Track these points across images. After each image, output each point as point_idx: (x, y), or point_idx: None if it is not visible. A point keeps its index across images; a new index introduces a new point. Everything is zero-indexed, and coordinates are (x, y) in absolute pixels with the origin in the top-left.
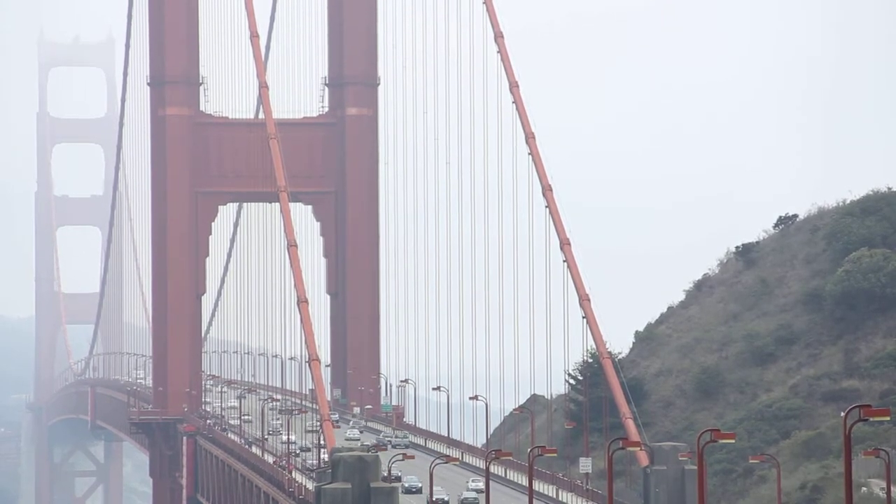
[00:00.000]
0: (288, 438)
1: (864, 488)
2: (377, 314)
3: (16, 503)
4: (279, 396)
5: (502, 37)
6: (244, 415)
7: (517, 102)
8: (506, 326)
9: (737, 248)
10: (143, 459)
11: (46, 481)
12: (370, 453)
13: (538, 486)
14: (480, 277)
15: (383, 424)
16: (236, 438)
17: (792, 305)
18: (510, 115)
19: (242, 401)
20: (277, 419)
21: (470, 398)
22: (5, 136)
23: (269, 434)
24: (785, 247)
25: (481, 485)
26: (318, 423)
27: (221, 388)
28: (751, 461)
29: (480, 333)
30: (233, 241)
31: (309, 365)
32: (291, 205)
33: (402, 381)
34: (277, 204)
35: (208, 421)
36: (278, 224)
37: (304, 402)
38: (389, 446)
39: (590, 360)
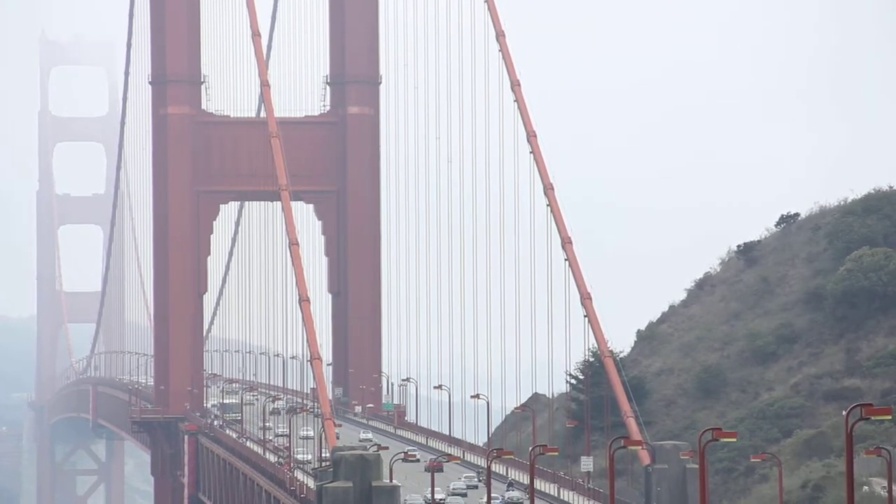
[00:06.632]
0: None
1: (865, 487)
2: (378, 313)
3: (17, 502)
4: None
5: (503, 35)
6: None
7: (518, 101)
8: (507, 325)
9: (738, 246)
10: (144, 458)
11: (48, 480)
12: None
13: (540, 484)
14: (482, 276)
15: (384, 423)
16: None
17: (793, 304)
18: (512, 113)
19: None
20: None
21: (471, 397)
22: (7, 135)
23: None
24: (786, 245)
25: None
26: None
27: (285, 413)
28: (752, 460)
29: (482, 332)
30: (234, 239)
31: (310, 364)
32: (293, 203)
33: (403, 380)
34: (279, 202)
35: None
36: (280, 223)
37: (305, 401)
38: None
39: (591, 359)
